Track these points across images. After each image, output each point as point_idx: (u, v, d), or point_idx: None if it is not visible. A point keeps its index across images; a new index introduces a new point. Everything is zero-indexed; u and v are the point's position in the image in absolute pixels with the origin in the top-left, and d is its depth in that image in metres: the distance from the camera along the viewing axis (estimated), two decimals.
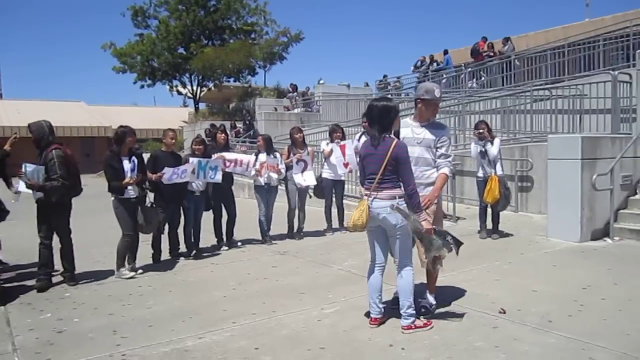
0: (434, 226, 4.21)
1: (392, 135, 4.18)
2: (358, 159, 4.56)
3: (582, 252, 6.82)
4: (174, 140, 7.28)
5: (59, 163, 5.60)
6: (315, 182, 8.53)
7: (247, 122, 22.53)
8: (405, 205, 4.06)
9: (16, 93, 64.37)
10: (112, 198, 6.22)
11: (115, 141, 6.27)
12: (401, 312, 4.21)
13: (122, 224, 6.25)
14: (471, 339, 4.02)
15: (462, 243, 4.30)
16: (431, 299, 4.69)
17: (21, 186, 5.70)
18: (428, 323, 4.25)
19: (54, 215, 5.79)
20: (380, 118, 4.14)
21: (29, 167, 5.61)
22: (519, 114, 11.38)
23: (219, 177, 7.37)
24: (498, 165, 7.64)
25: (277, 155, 8.27)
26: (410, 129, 4.59)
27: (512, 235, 7.95)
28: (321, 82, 26.30)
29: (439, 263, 4.34)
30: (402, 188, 4.08)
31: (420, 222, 4.04)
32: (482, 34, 33.09)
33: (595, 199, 7.44)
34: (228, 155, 7.86)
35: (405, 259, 4.22)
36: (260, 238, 8.22)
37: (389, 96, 4.64)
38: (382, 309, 4.37)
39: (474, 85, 17.95)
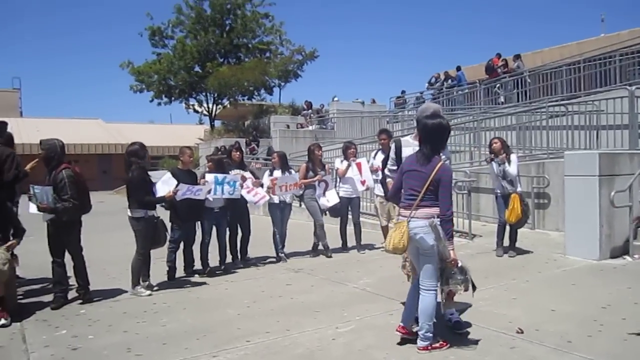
0: (459, 260, 4.14)
1: (439, 156, 4.13)
2: (388, 173, 4.70)
3: (601, 271, 6.70)
4: (191, 159, 7.31)
5: (69, 183, 5.64)
6: (338, 200, 8.37)
7: (254, 140, 22.65)
8: (438, 226, 4.01)
9: (36, 111, 65.55)
10: (135, 215, 6.22)
11: (138, 156, 6.31)
12: (419, 332, 4.15)
13: (141, 242, 6.27)
14: (488, 359, 3.95)
15: (476, 288, 4.25)
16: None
17: (31, 208, 5.72)
18: (444, 343, 4.18)
19: (64, 234, 5.83)
20: (435, 136, 4.11)
21: (37, 189, 5.63)
22: (534, 130, 11.30)
23: (237, 193, 7.40)
24: (517, 182, 7.58)
25: (293, 172, 8.27)
26: (411, 148, 4.60)
27: (529, 252, 7.84)
28: (335, 99, 26.41)
29: (450, 299, 4.30)
30: (440, 210, 4.01)
31: (449, 250, 4.01)
32: (496, 50, 33.15)
33: (614, 216, 7.33)
34: (247, 181, 7.77)
35: (432, 280, 4.14)
36: (274, 255, 8.21)
37: (440, 115, 4.54)
38: (413, 321, 4.26)
39: (501, 96, 17.73)
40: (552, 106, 11.20)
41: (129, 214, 6.29)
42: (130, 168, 6.25)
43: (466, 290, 4.13)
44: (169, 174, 6.84)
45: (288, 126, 24.86)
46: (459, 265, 4.10)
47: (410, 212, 4.07)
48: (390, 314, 5.11)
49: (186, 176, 7.05)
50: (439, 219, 4.00)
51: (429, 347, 4.10)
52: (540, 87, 16.15)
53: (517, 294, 5.71)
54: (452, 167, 4.74)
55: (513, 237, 7.76)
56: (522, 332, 4.43)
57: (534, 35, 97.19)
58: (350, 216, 8.71)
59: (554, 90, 15.45)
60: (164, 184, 6.57)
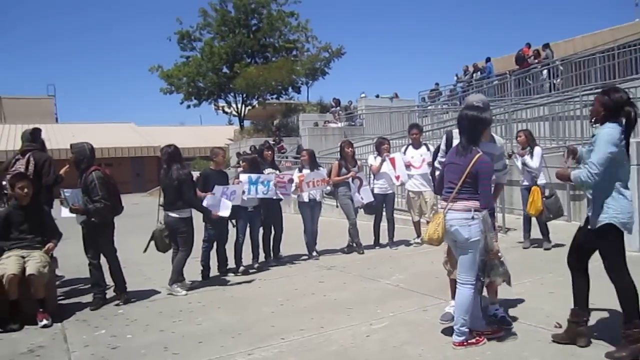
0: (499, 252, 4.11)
1: (477, 148, 4.06)
2: (430, 168, 4.50)
3: None
4: (224, 159, 7.38)
5: (99, 184, 5.75)
6: (372, 198, 8.31)
7: (278, 140, 22.74)
8: (487, 218, 3.98)
9: (71, 117, 67.22)
10: (183, 216, 6.36)
11: (177, 160, 6.46)
12: (454, 327, 4.08)
13: (189, 242, 6.43)
14: (525, 354, 3.89)
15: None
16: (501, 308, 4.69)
17: (64, 212, 5.85)
18: (480, 339, 4.11)
19: (98, 236, 5.93)
20: (469, 128, 4.08)
21: (67, 193, 5.77)
22: (568, 120, 11.04)
23: (272, 193, 7.46)
24: (541, 175, 7.46)
25: (321, 169, 8.27)
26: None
27: (564, 245, 7.67)
28: (363, 95, 26.31)
29: (493, 292, 4.28)
30: (479, 202, 3.97)
31: (493, 242, 3.98)
32: (526, 40, 32.43)
33: None
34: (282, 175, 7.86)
35: (468, 275, 4.07)
36: (307, 253, 8.23)
37: (481, 106, 4.45)
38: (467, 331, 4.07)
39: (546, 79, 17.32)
40: (586, 95, 10.93)
41: (174, 215, 6.34)
42: (172, 168, 6.34)
43: (507, 282, 4.09)
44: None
45: (316, 124, 24.89)
46: (500, 255, 4.07)
47: (447, 204, 4.05)
48: (424, 309, 5.08)
49: (219, 176, 7.13)
50: (481, 213, 3.96)
51: (465, 343, 4.03)
52: (572, 75, 15.79)
53: (553, 287, 5.59)
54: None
55: (543, 230, 7.62)
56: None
57: (564, 25, 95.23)
58: (384, 212, 8.68)
59: (587, 78, 15.09)
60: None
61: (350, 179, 8.25)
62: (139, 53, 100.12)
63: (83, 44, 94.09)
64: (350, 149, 8.52)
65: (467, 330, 4.05)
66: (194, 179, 6.92)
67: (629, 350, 3.64)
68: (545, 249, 7.46)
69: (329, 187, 8.30)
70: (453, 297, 4.57)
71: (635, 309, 3.71)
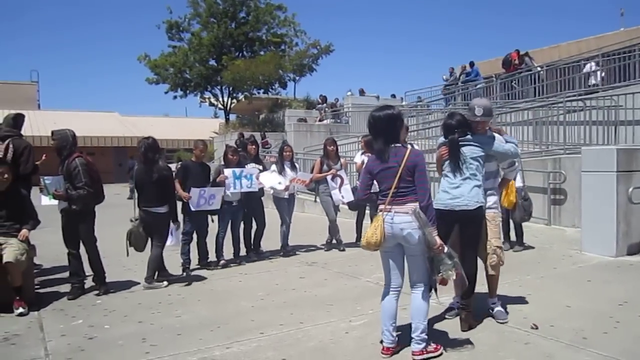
0: (445, 245, 3.90)
1: (404, 145, 3.94)
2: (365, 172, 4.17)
3: (617, 267, 6.62)
4: (203, 153, 7.38)
5: (83, 171, 5.68)
6: (352, 198, 8.27)
7: (262, 135, 22.69)
8: (420, 213, 3.73)
9: (53, 104, 66.22)
10: (163, 212, 6.27)
11: (156, 151, 6.35)
12: (413, 335, 3.87)
13: (165, 237, 6.37)
14: (502, 354, 3.93)
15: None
16: (499, 303, 4.83)
17: (43, 200, 5.76)
18: (438, 347, 3.95)
19: (78, 224, 5.84)
20: (385, 129, 3.88)
21: (47, 180, 5.68)
22: (551, 125, 11.17)
23: (255, 187, 7.48)
24: (518, 177, 7.53)
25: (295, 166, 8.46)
26: None
27: (545, 248, 7.78)
28: (349, 93, 26.30)
29: (443, 284, 4.14)
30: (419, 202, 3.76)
31: (434, 237, 3.76)
32: (512, 46, 32.70)
33: (632, 212, 7.23)
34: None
35: (424, 278, 3.90)
36: (289, 248, 8.22)
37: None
38: (396, 338, 3.99)
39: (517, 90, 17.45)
40: (570, 101, 11.07)
41: (156, 210, 6.21)
42: (152, 163, 6.21)
43: (458, 274, 3.89)
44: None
45: (305, 120, 24.79)
46: (446, 250, 3.85)
47: (390, 206, 3.83)
48: (403, 308, 5.07)
49: (199, 169, 7.10)
50: (416, 205, 3.76)
51: (424, 351, 3.85)
52: (557, 82, 15.96)
53: (532, 289, 5.67)
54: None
55: (519, 232, 7.73)
56: (537, 328, 4.40)
57: (550, 32, 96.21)
58: (367, 210, 8.69)
59: (571, 85, 15.27)
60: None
61: (330, 177, 8.27)
62: (124, 44, 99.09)
63: (67, 28, 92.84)
64: (332, 147, 8.51)
65: (426, 337, 3.87)
66: (174, 169, 6.92)
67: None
68: (515, 251, 7.55)
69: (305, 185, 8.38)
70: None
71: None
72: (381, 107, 4.04)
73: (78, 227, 5.86)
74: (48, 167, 6.08)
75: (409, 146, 4.02)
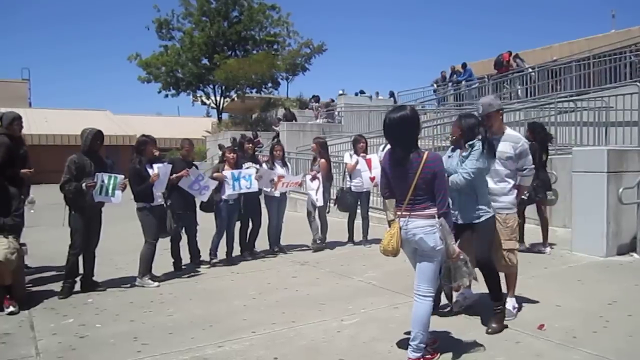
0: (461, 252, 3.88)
1: (420, 150, 3.71)
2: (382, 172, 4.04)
3: (607, 267, 6.68)
4: (189, 152, 7.48)
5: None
6: (322, 203, 8.35)
7: (254, 134, 22.68)
8: (445, 223, 3.66)
9: (44, 102, 65.68)
10: (140, 206, 6.30)
11: (137, 151, 6.36)
12: (411, 342, 3.75)
13: (148, 232, 6.33)
14: (492, 353, 3.96)
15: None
16: (513, 302, 4.87)
17: (99, 198, 5.80)
18: (435, 354, 3.90)
19: (100, 221, 6.01)
20: (401, 133, 3.70)
21: (104, 177, 5.80)
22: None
23: (254, 187, 7.51)
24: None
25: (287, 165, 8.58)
26: None
27: (535, 249, 7.81)
28: (341, 92, 26.33)
29: (457, 290, 4.21)
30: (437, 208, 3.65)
31: (453, 246, 3.73)
32: (504, 46, 32.85)
33: (622, 213, 7.29)
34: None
35: (430, 286, 3.76)
36: (277, 248, 8.25)
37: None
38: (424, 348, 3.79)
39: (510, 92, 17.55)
40: (561, 102, 11.13)
41: (136, 205, 6.35)
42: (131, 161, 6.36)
43: (475, 279, 4.02)
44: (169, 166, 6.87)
45: (295, 119, 24.76)
46: (461, 257, 3.86)
47: (404, 213, 3.74)
48: (395, 307, 5.13)
49: (185, 166, 7.10)
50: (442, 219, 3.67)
51: (421, 359, 3.76)
52: (549, 83, 16.05)
53: (522, 289, 5.68)
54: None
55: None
56: (544, 328, 4.40)
57: (542, 33, 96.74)
58: (359, 210, 8.72)
59: (562, 86, 15.36)
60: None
61: (308, 178, 8.37)
62: (116, 42, 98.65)
63: (59, 31, 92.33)
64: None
65: (423, 346, 3.76)
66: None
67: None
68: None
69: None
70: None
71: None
72: (396, 108, 3.87)
73: (99, 224, 6.00)
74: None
75: (425, 152, 3.75)
